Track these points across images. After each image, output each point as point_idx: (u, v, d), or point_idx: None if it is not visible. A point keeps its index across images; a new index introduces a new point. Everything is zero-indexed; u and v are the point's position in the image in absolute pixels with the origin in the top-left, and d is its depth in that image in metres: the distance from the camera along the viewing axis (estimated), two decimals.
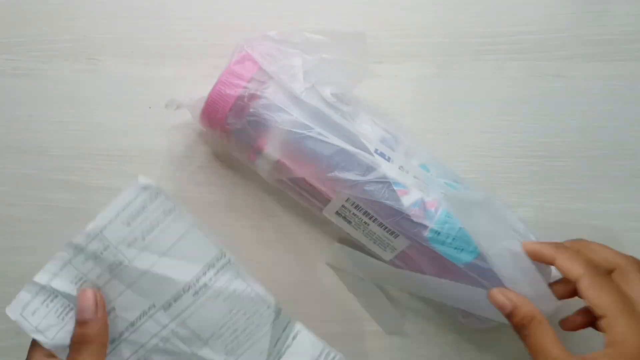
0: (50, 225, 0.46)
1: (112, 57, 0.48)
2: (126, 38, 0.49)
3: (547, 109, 0.48)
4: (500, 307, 0.36)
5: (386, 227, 0.40)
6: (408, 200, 0.39)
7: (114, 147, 0.47)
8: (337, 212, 0.41)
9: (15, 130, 0.48)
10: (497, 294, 0.36)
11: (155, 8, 0.49)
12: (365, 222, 0.41)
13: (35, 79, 0.48)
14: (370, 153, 0.39)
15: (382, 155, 0.40)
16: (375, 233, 0.41)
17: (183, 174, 0.47)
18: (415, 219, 0.39)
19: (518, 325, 0.35)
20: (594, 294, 0.34)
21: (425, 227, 0.39)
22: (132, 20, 0.49)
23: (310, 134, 0.39)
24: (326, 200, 0.41)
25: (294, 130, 0.39)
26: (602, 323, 0.33)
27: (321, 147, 0.39)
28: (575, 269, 0.34)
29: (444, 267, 0.40)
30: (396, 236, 0.41)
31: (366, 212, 0.40)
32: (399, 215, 0.39)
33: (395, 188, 0.39)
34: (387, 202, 0.39)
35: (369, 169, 0.39)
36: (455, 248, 0.39)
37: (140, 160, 0.47)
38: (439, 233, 0.39)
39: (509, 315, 0.36)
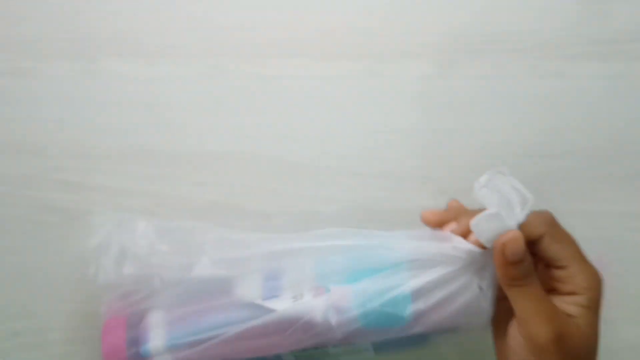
0: (50, 225, 0.46)
1: (112, 57, 0.48)
2: (126, 38, 0.48)
3: (547, 109, 0.48)
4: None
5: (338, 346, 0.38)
6: (318, 317, 0.36)
7: (114, 147, 0.47)
8: None
9: (15, 130, 0.48)
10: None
11: (155, 7, 0.49)
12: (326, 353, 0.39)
13: (35, 79, 0.48)
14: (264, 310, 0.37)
15: (273, 296, 0.37)
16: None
17: (183, 174, 0.47)
18: (338, 326, 0.36)
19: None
20: (557, 248, 0.35)
21: (353, 321, 0.36)
22: (132, 20, 0.49)
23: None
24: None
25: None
26: (562, 274, 0.35)
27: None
28: (538, 228, 0.35)
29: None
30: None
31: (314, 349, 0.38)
32: (326, 334, 0.37)
33: (304, 320, 0.36)
34: (309, 336, 0.36)
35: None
36: (388, 312, 0.36)
37: (140, 160, 0.47)
38: (366, 315, 0.36)
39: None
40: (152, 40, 0.48)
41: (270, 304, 0.37)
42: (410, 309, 0.36)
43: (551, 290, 0.36)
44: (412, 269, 0.36)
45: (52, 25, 0.49)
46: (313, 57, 0.48)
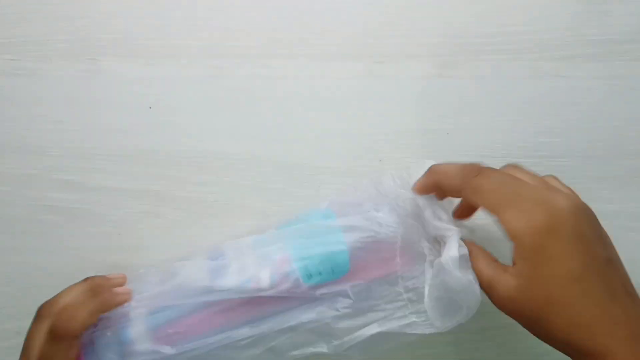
0: (50, 225, 0.46)
1: (112, 57, 0.48)
2: (126, 38, 0.48)
3: (547, 109, 0.48)
4: None
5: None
6: (265, 285, 0.38)
7: (114, 147, 0.47)
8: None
9: (15, 130, 0.48)
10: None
11: (155, 8, 0.49)
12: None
13: (35, 79, 0.48)
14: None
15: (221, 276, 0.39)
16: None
17: (183, 174, 0.47)
18: (287, 289, 0.38)
19: None
20: (478, 198, 0.33)
21: (296, 282, 0.38)
22: (132, 20, 0.49)
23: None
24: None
25: None
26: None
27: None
28: (453, 183, 0.35)
29: None
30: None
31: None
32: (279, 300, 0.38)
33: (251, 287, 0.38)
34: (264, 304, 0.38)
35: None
36: (330, 271, 0.39)
37: (140, 160, 0.47)
38: (309, 274, 0.38)
39: None
40: (152, 41, 0.48)
41: (221, 283, 0.38)
42: (348, 259, 0.38)
43: None
44: (346, 231, 0.38)
45: (53, 26, 0.49)
46: (313, 57, 0.48)
